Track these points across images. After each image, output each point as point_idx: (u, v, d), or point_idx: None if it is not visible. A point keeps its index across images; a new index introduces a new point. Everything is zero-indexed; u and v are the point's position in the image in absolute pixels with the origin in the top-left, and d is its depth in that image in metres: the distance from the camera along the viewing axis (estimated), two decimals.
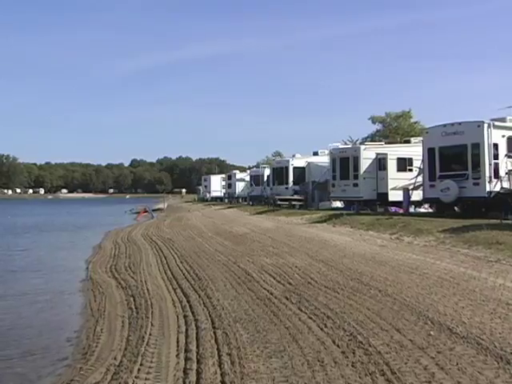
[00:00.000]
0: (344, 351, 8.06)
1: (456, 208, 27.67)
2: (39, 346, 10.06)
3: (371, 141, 55.42)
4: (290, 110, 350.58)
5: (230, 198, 74.31)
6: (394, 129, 66.90)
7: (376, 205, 35.13)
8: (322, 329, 9.28)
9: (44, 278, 17.99)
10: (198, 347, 8.57)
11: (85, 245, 27.94)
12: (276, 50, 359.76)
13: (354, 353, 7.97)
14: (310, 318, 10.00)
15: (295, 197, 45.76)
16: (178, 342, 8.99)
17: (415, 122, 65.78)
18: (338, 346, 8.33)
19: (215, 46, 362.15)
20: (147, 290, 13.76)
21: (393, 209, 32.82)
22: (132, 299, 12.77)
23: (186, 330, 9.69)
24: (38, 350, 9.74)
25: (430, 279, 13.08)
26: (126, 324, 10.54)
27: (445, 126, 27.12)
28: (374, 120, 69.62)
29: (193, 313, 10.90)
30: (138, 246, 25.18)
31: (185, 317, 10.63)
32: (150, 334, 9.55)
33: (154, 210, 63.55)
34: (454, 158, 27.15)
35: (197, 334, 9.37)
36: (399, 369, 7.21)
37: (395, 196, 32.77)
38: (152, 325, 10.23)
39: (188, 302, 11.98)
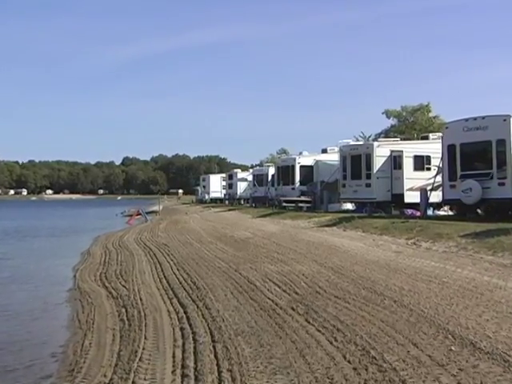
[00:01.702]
0: (356, 367, 8.02)
1: (479, 210, 27.50)
2: (21, 362, 9.93)
3: (385, 137, 55.25)
4: (295, 104, 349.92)
5: (230, 200, 74.03)
6: (410, 124, 66.87)
7: (390, 207, 34.86)
8: (331, 343, 9.24)
9: (27, 287, 17.88)
10: (195, 363, 8.51)
11: (72, 251, 27.94)
12: (279, 39, 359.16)
13: (366, 369, 7.93)
14: (319, 331, 9.96)
15: (302, 198, 45.48)
16: (174, 356, 8.93)
17: (434, 117, 65.70)
18: (349, 361, 8.30)
19: (216, 33, 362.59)
20: (140, 299, 13.70)
21: (409, 211, 32.57)
22: (124, 310, 12.69)
23: (183, 343, 9.64)
24: (19, 367, 9.64)
25: (450, 289, 13.05)
26: (117, 337, 10.44)
27: (467, 120, 27.02)
28: (388, 114, 69.51)
29: (190, 325, 10.85)
30: (131, 251, 25.18)
31: (181, 329, 10.57)
32: (144, 349, 9.46)
33: (148, 213, 63.52)
34: (477, 155, 27.07)
35: (194, 348, 9.32)
36: None
37: (412, 197, 32.52)
38: (146, 338, 10.15)
39: (185, 312, 11.93)
